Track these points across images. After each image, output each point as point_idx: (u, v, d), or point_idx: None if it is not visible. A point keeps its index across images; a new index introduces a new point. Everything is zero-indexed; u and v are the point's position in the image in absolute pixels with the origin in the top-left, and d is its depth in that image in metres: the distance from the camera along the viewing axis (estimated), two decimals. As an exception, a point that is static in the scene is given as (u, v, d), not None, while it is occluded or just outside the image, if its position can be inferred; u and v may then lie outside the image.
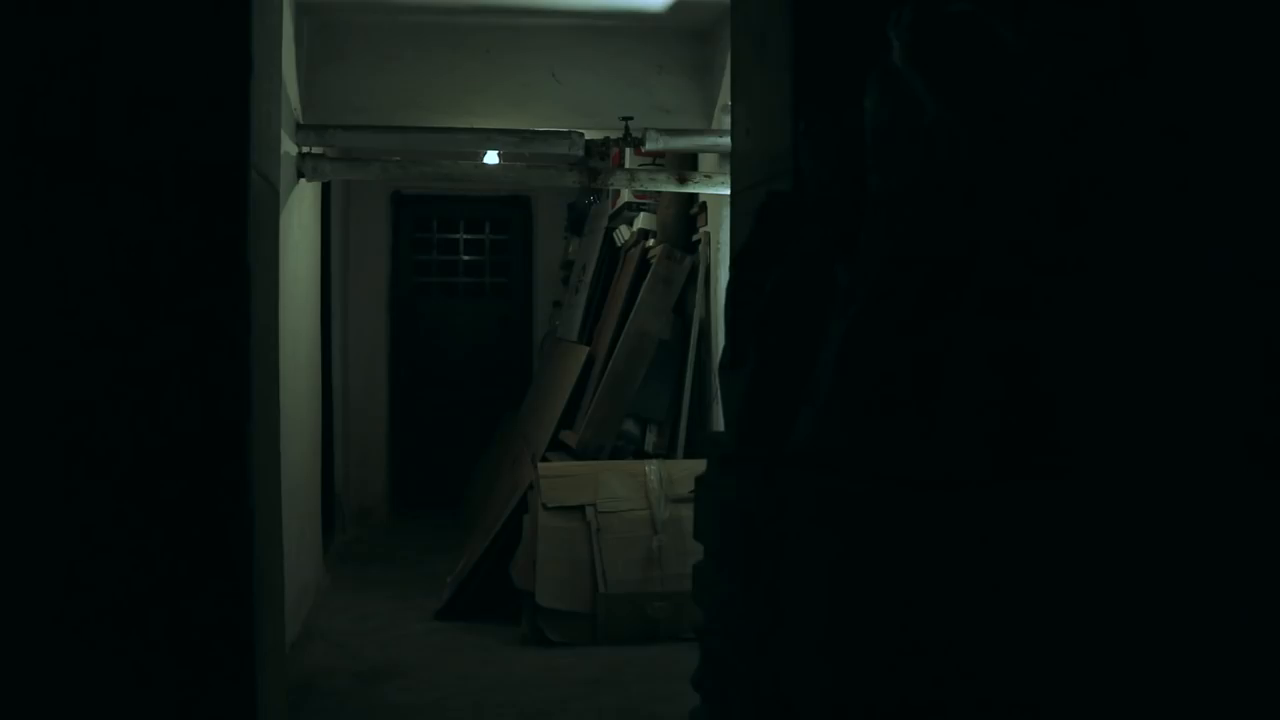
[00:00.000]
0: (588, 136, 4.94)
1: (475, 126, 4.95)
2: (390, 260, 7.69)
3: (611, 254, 6.36)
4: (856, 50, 2.33)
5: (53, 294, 2.10)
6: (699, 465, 5.08)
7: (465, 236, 7.99)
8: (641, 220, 5.79)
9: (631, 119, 5.01)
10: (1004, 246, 1.60)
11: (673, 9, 4.97)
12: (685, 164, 5.48)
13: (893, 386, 1.59)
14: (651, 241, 5.65)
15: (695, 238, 5.50)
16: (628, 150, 5.49)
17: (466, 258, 8.00)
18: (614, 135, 5.04)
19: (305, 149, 4.62)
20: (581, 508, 4.93)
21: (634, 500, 4.97)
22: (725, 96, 5.11)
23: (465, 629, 5.02)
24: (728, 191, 5.05)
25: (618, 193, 6.21)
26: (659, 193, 5.51)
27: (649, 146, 4.92)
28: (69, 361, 2.10)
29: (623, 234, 6.20)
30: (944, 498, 1.50)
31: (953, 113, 1.60)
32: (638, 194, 5.78)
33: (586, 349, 5.80)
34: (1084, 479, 1.51)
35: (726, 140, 5.02)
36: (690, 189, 5.09)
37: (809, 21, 2.41)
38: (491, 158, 5.28)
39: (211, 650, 2.18)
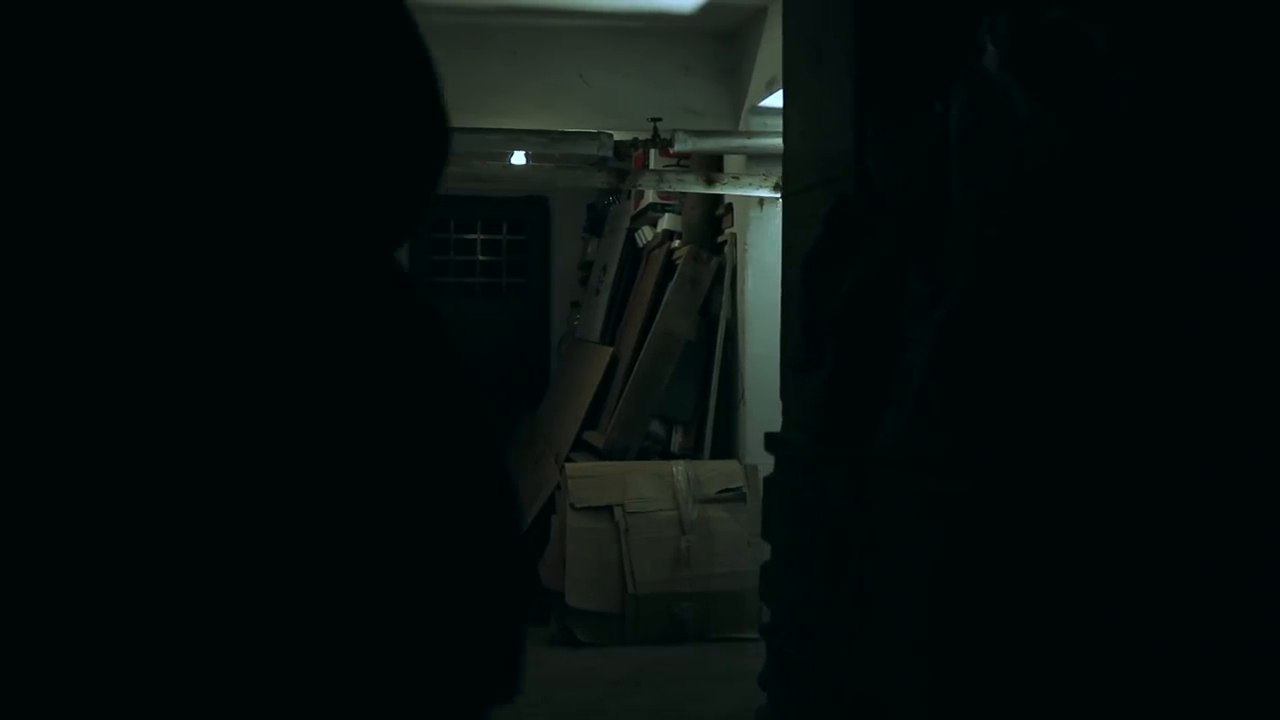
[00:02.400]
0: (616, 138, 4.96)
1: (504, 127, 4.96)
2: (408, 261, 7.70)
3: (633, 255, 6.37)
4: (923, 56, 2.35)
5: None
6: (726, 466, 5.14)
7: (482, 237, 8.00)
8: (667, 221, 5.80)
9: (660, 120, 5.02)
10: (1099, 249, 1.61)
11: (701, 11, 4.99)
12: (711, 165, 5.49)
13: (988, 388, 1.61)
14: (677, 242, 5.66)
15: (721, 239, 5.51)
16: (652, 151, 5.51)
17: (483, 258, 8.01)
18: (642, 136, 5.05)
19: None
20: (610, 508, 4.94)
21: (662, 501, 4.98)
22: (753, 98, 5.13)
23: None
24: (755, 193, 5.07)
25: (640, 194, 6.22)
26: (684, 194, 5.52)
27: (678, 148, 4.93)
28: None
29: (645, 235, 6.20)
30: (1047, 497, 1.51)
31: (1048, 116, 1.62)
32: (662, 195, 5.79)
33: (610, 350, 5.81)
34: (1186, 478, 1.52)
35: (755, 142, 5.05)
36: (718, 190, 5.10)
37: (870, 26, 2.42)
38: (519, 158, 5.29)
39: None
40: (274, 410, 0.82)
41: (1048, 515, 1.50)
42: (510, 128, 4.97)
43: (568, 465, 5.13)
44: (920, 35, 2.36)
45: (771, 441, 2.27)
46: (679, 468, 5.08)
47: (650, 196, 5.98)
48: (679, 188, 5.16)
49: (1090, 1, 1.64)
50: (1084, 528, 1.49)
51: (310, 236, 0.85)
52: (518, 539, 1.01)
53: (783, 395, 2.82)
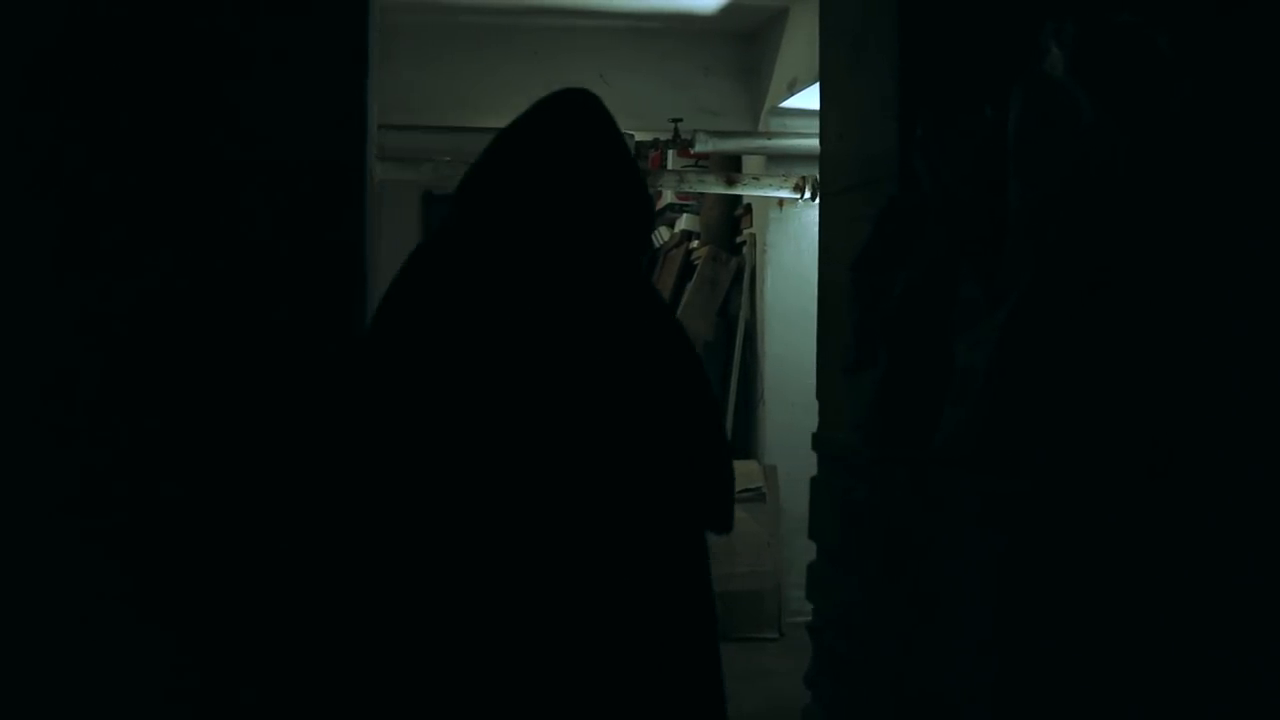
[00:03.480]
0: (637, 138, 4.96)
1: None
2: (420, 260, 7.67)
3: (650, 255, 6.38)
4: (969, 58, 2.36)
5: (186, 287, 2.12)
6: (745, 466, 5.14)
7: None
8: (685, 221, 5.81)
9: (681, 121, 5.03)
10: (1162, 251, 1.62)
11: (723, 11, 4.99)
12: (729, 166, 5.50)
13: (1052, 389, 1.62)
14: (695, 243, 5.67)
15: (739, 239, 5.52)
16: (670, 152, 5.52)
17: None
18: (663, 137, 5.06)
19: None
20: (629, 508, 4.94)
21: (681, 500, 4.98)
22: (773, 99, 5.14)
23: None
24: (775, 194, 5.08)
25: (657, 194, 6.23)
26: (702, 194, 5.53)
27: (698, 148, 4.94)
28: (197, 352, 2.11)
29: (662, 235, 6.21)
30: (1109, 498, 1.52)
31: (1112, 120, 1.62)
32: (680, 195, 5.80)
33: (627, 350, 5.81)
34: (1248, 479, 1.53)
35: (775, 143, 5.06)
36: (738, 190, 5.11)
37: (914, 29, 2.43)
38: (538, 158, 5.29)
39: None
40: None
41: (1110, 516, 1.51)
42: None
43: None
44: (965, 38, 2.37)
45: (818, 442, 2.28)
46: (698, 468, 5.08)
47: (668, 197, 5.98)
48: (699, 188, 5.17)
49: (1156, 6, 1.65)
50: (1146, 528, 1.50)
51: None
52: (726, 440, 1.79)
53: (820, 395, 2.83)
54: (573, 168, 1.61)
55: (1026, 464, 1.57)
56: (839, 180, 2.79)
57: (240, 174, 2.13)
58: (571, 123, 1.70)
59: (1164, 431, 1.55)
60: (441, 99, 5.10)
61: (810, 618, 4.87)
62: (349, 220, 2.21)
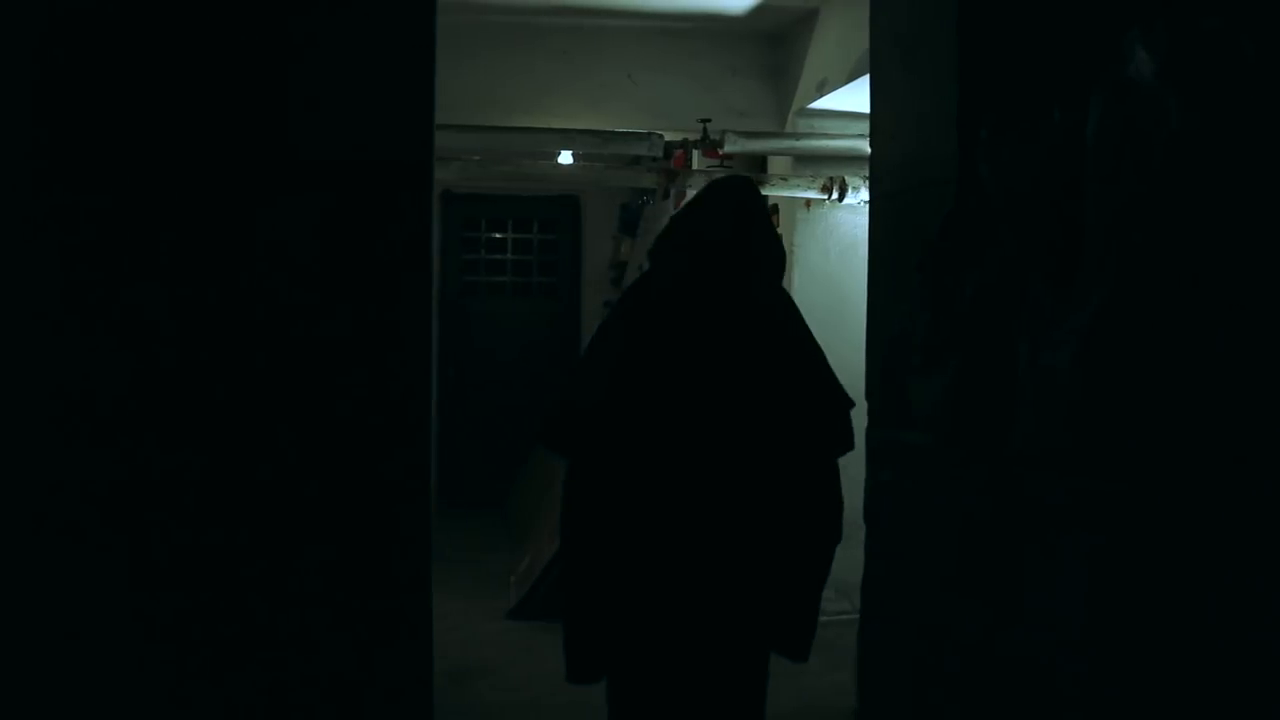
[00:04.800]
0: (666, 138, 4.98)
1: (554, 127, 4.98)
2: (439, 259, 7.70)
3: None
4: (1032, 62, 2.37)
5: (262, 275, 2.13)
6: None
7: (513, 236, 8.01)
8: (710, 222, 5.81)
9: (709, 121, 5.04)
10: (1249, 252, 1.63)
11: (753, 12, 5.00)
12: (754, 166, 5.51)
13: (1142, 389, 1.63)
14: (721, 243, 5.67)
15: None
16: (695, 152, 5.52)
17: (514, 257, 8.02)
18: (691, 136, 5.06)
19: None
20: (657, 507, 4.95)
21: (709, 500, 4.99)
22: (801, 100, 5.15)
23: (540, 629, 5.03)
24: (803, 194, 5.09)
25: (681, 194, 6.23)
26: (728, 195, 5.53)
27: (728, 148, 4.95)
28: (268, 336, 2.12)
29: (685, 235, 6.21)
30: (1204, 496, 1.53)
31: (1200, 124, 1.63)
32: (706, 195, 5.80)
33: (651, 349, 5.81)
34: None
35: (803, 143, 5.06)
36: (766, 191, 5.11)
37: (973, 33, 2.44)
38: (565, 157, 5.30)
39: (391, 619, 2.21)
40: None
41: (1208, 514, 1.52)
42: (560, 128, 4.99)
43: (614, 464, 5.14)
44: (1024, 42, 2.38)
45: (878, 441, 2.29)
46: (725, 467, 5.08)
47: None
48: (728, 189, 5.17)
49: (1242, 11, 1.66)
50: (1245, 526, 1.50)
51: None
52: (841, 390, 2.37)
53: (871, 394, 2.84)
54: (737, 223, 2.51)
55: (1121, 463, 1.58)
56: (891, 182, 2.80)
57: (313, 173, 2.14)
58: (735, 195, 2.55)
59: (1259, 429, 1.56)
60: (471, 98, 5.10)
61: (834, 616, 4.86)
62: (415, 216, 2.23)
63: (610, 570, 2.37)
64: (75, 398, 2.04)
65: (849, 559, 4.45)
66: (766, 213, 2.65)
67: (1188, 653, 1.46)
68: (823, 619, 4.60)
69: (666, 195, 6.61)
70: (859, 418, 2.99)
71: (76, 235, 2.04)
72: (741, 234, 2.49)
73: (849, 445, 2.19)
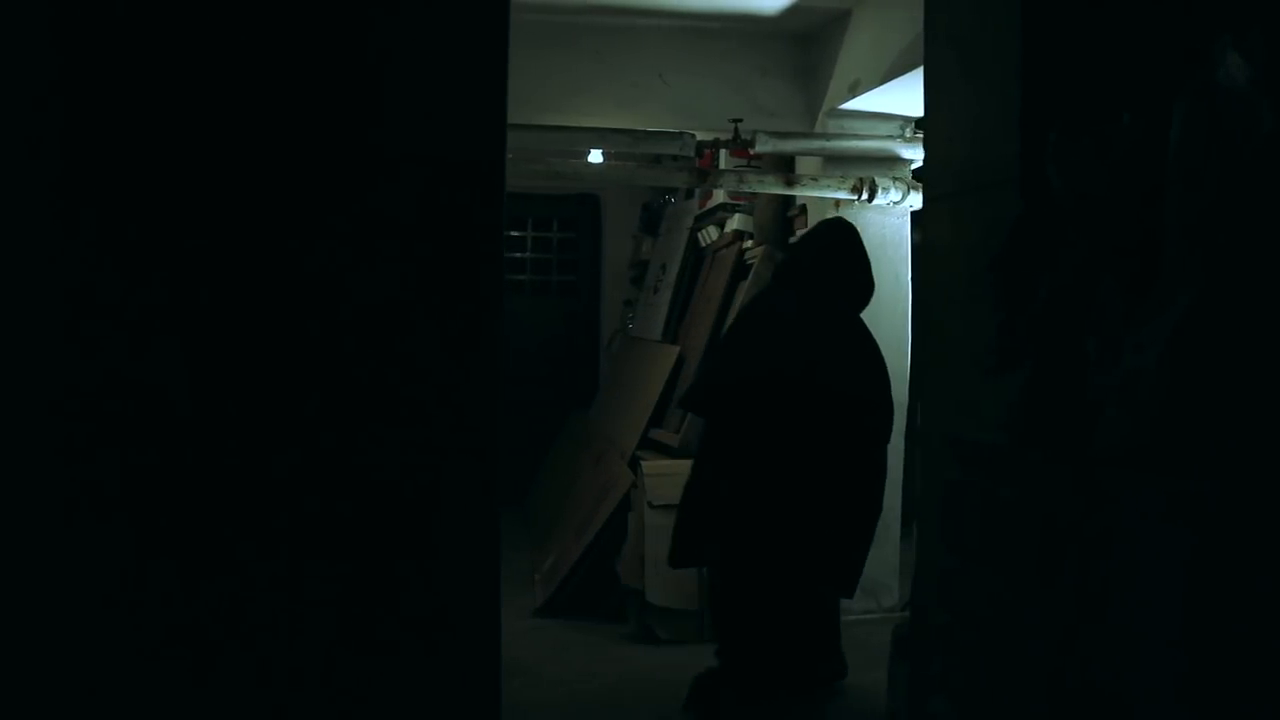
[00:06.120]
0: (699, 138, 4.99)
1: (586, 126, 5.00)
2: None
3: (696, 255, 6.40)
4: (1098, 66, 2.38)
5: (334, 275, 2.14)
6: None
7: (532, 234, 8.03)
8: (737, 221, 5.83)
9: (741, 121, 5.06)
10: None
11: (785, 13, 5.02)
12: (782, 166, 5.53)
13: (1233, 390, 1.64)
14: (749, 243, 5.69)
15: (793, 240, 5.54)
16: (722, 152, 5.54)
17: (533, 255, 8.04)
18: (723, 136, 5.08)
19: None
20: (686, 505, 4.97)
21: (737, 499, 5.02)
22: (832, 100, 5.17)
23: (568, 626, 5.06)
24: (834, 195, 5.11)
25: (707, 194, 6.26)
26: (754, 194, 5.55)
27: (759, 149, 4.97)
28: (338, 335, 2.14)
29: (710, 234, 6.23)
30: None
31: (1295, 127, 1.65)
32: (733, 195, 5.82)
33: (677, 349, 5.84)
34: None
35: (835, 144, 5.08)
36: (797, 191, 5.14)
37: (1038, 35, 2.45)
38: (596, 156, 5.32)
39: (459, 615, 2.22)
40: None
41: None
42: (592, 126, 5.01)
43: (643, 464, 5.16)
44: (1094, 48, 2.39)
45: (948, 443, 2.30)
46: (753, 467, 5.11)
47: (720, 196, 6.01)
48: (758, 188, 5.20)
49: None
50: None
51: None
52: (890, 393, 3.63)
53: (917, 394, 2.86)
54: (823, 259, 3.34)
55: (1213, 463, 1.60)
56: (947, 184, 2.81)
57: (391, 169, 2.16)
58: (829, 236, 3.45)
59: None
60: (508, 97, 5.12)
61: (861, 615, 4.88)
62: (487, 214, 2.24)
63: (725, 494, 3.43)
64: (154, 393, 2.05)
65: (875, 559, 4.49)
66: (855, 252, 3.44)
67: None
68: (851, 618, 4.65)
69: (690, 195, 6.63)
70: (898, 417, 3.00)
71: (178, 236, 2.06)
72: (824, 267, 3.41)
73: (887, 440, 3.07)
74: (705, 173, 5.07)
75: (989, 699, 2.09)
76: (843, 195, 5.07)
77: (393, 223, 2.15)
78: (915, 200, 5.03)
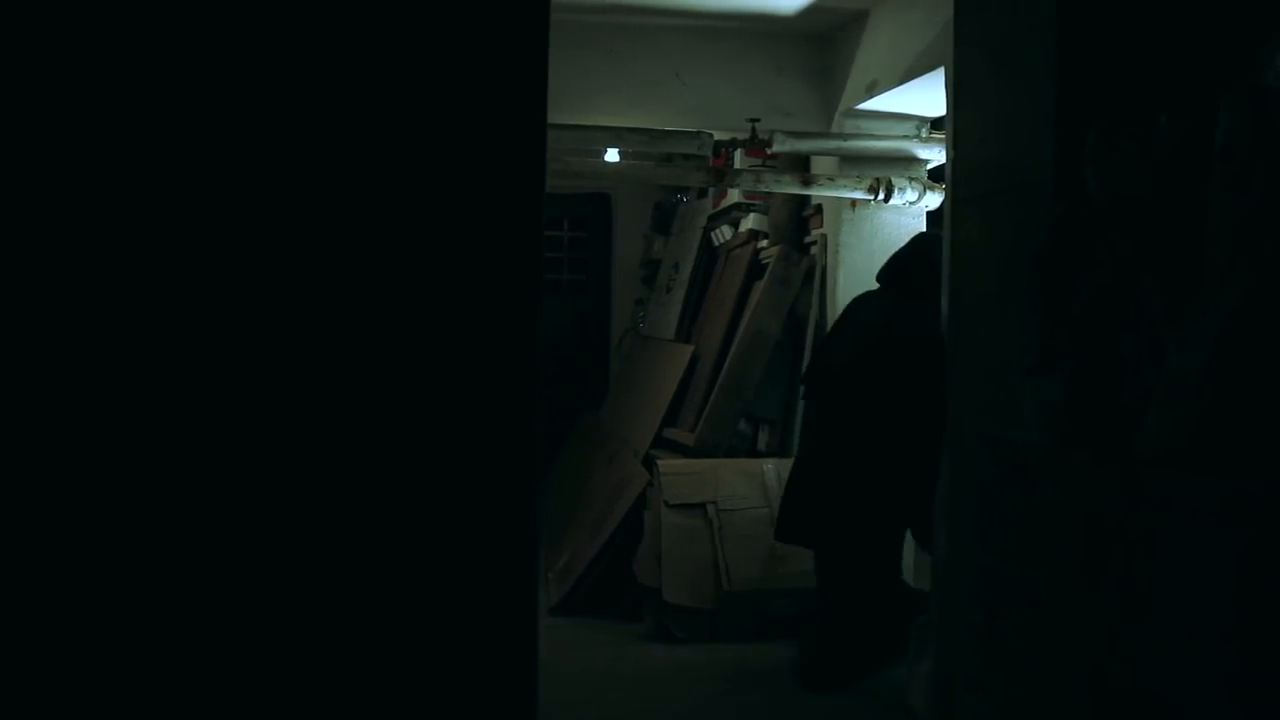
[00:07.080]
0: (716, 137, 5.00)
1: (603, 125, 5.01)
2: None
3: (709, 254, 6.41)
4: (1132, 68, 2.40)
5: (378, 278, 2.15)
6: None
7: (544, 233, 8.03)
8: (752, 220, 5.84)
9: (758, 120, 5.06)
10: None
11: (802, 13, 5.03)
12: (797, 165, 5.54)
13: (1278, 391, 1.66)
14: (764, 242, 5.70)
15: (808, 239, 5.55)
16: (738, 151, 5.55)
17: (545, 254, 8.04)
18: (740, 136, 5.09)
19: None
20: (703, 505, 4.98)
21: (753, 498, 5.03)
22: (849, 101, 5.18)
23: (584, 625, 5.06)
24: (850, 195, 5.12)
25: (721, 194, 6.26)
26: (770, 194, 5.56)
27: (776, 148, 4.98)
28: (380, 338, 2.14)
29: (724, 234, 6.24)
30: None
31: (1343, 131, 1.66)
32: (748, 194, 5.83)
33: (691, 348, 5.85)
34: None
35: (851, 144, 5.09)
36: (813, 191, 5.15)
37: (1074, 40, 2.46)
38: (612, 155, 5.33)
39: (496, 616, 2.22)
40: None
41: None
42: (609, 125, 5.02)
43: (660, 463, 5.17)
44: (1130, 51, 2.40)
45: (985, 443, 2.31)
46: (769, 466, 5.12)
47: (734, 196, 6.01)
48: (775, 188, 5.21)
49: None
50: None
51: None
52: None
53: (949, 395, 2.87)
54: (906, 265, 4.23)
55: (1261, 463, 1.61)
56: (977, 184, 2.83)
57: (427, 171, 2.17)
58: (913, 245, 4.31)
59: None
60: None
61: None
62: (528, 216, 2.26)
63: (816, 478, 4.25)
64: (204, 394, 2.06)
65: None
66: (933, 259, 3.85)
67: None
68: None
69: (704, 194, 6.64)
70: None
71: (209, 236, 2.06)
72: (904, 272, 4.21)
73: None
74: (723, 172, 5.08)
75: (1028, 698, 2.10)
76: (859, 195, 5.08)
77: (436, 218, 2.16)
78: (931, 200, 5.04)
